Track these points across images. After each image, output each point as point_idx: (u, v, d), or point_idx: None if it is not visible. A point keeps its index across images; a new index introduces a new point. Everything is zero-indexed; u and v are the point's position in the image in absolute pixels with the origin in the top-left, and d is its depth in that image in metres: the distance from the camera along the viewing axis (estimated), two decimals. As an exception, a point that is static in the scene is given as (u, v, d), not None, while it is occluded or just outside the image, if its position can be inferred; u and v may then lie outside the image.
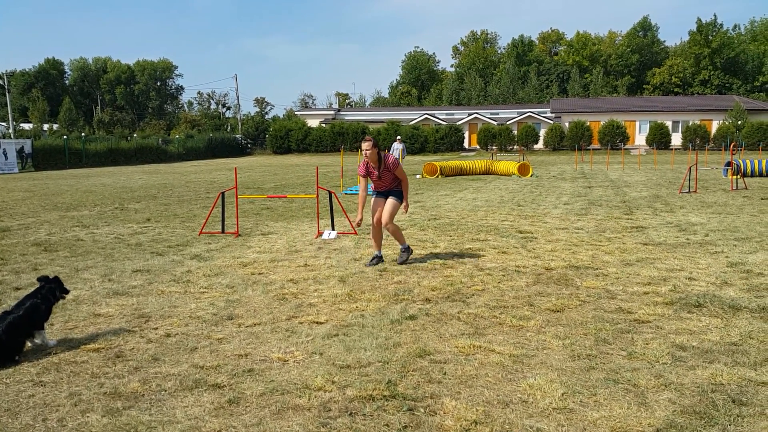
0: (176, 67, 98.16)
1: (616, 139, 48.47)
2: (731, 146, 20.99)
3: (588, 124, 50.09)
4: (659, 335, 4.53)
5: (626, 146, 49.00)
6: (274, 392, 3.62)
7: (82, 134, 46.49)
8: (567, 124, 51.62)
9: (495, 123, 54.69)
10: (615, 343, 4.37)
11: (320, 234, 9.22)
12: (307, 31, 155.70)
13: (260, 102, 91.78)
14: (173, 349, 4.40)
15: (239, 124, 67.07)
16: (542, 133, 52.16)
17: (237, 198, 10.03)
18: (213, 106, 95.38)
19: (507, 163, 24.30)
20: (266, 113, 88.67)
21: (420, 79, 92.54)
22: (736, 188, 16.20)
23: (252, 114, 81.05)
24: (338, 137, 52.54)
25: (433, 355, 4.22)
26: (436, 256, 7.66)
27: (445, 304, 5.52)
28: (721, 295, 5.57)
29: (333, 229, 9.42)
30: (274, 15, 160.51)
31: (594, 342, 4.41)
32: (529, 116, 55.92)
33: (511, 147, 50.79)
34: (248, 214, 12.16)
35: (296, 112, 70.75)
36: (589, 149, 45.55)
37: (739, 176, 17.43)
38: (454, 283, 6.25)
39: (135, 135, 55.02)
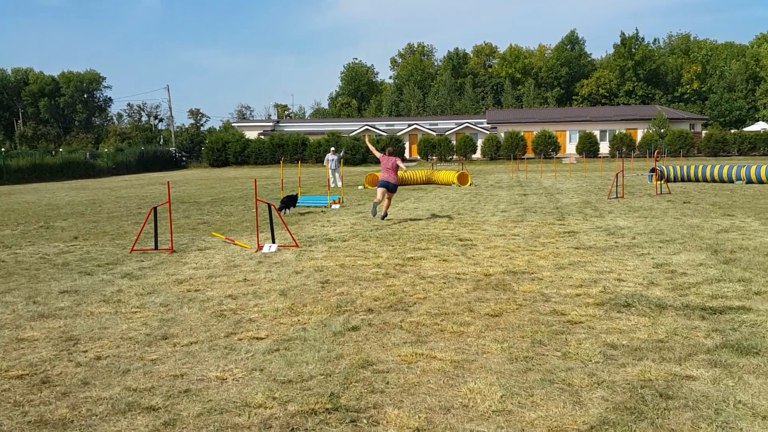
0: (104, 79, 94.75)
1: (548, 148, 50.06)
2: (655, 153, 22.04)
3: (522, 134, 51.56)
4: (591, 335, 4.69)
5: (558, 155, 50.67)
6: (212, 412, 3.53)
7: (2, 149, 44.17)
8: (503, 135, 52.97)
9: (434, 134, 55.52)
10: (550, 345, 4.50)
11: (260, 248, 9.09)
12: (243, 42, 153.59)
13: (195, 113, 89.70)
14: (104, 372, 4.23)
15: (173, 136, 65.30)
16: (480, 143, 53.29)
17: (170, 213, 9.76)
18: (144, 118, 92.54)
19: (447, 173, 24.69)
20: (201, 125, 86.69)
21: (359, 91, 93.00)
22: (661, 193, 17.01)
23: (186, 126, 79.07)
24: (278, 149, 52.00)
25: (375, 365, 4.22)
26: (379, 266, 7.69)
27: (387, 313, 5.53)
28: (648, 295, 5.82)
29: (273, 242, 9.31)
30: (209, 25, 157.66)
31: (530, 344, 4.52)
32: (467, 127, 57.08)
33: (450, 157, 51.63)
34: (184, 229, 11.86)
35: (233, 124, 69.55)
36: (524, 158, 46.88)
37: (663, 182, 18.31)
38: (397, 292, 6.28)
39: (61, 149, 52.72)
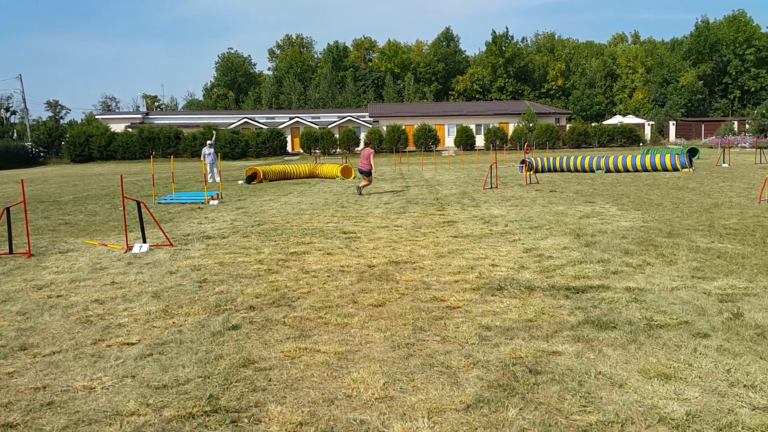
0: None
1: (428, 141, 51.55)
2: (525, 146, 23.40)
3: (403, 127, 52.66)
4: (468, 318, 4.90)
5: (438, 148, 52.35)
6: (80, 423, 3.29)
7: None
8: (384, 128, 53.81)
9: (317, 127, 55.25)
10: (430, 330, 4.64)
11: (130, 248, 8.58)
12: (104, 28, 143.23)
13: (53, 105, 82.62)
14: (-49, 390, 3.80)
15: (28, 130, 59.79)
16: (362, 136, 53.72)
17: (26, 213, 8.96)
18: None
19: (330, 166, 24.67)
20: (61, 118, 79.97)
21: (237, 82, 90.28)
22: (530, 183, 18.10)
23: (44, 119, 72.60)
24: (148, 143, 49.21)
25: (257, 363, 4.13)
26: (261, 262, 7.53)
27: (270, 310, 5.44)
28: (519, 278, 6.17)
29: (144, 242, 8.82)
30: (64, 9, 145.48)
31: (412, 331, 4.64)
32: (350, 120, 57.36)
33: (334, 150, 51.67)
34: (43, 230, 10.92)
35: (97, 116, 64.75)
36: (406, 151, 47.96)
37: (531, 172, 19.47)
38: (280, 288, 6.18)
39: None
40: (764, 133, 45.02)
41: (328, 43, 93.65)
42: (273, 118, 61.75)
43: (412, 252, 7.83)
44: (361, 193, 16.08)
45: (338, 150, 51.37)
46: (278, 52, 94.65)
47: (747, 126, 49.12)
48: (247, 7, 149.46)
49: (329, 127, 55.46)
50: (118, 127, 54.62)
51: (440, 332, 4.58)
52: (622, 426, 3.07)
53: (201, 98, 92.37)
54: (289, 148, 54.65)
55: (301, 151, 52.89)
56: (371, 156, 16.21)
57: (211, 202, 15.11)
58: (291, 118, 58.80)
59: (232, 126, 54.91)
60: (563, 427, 3.08)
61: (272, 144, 50.83)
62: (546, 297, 5.47)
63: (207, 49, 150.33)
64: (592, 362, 3.91)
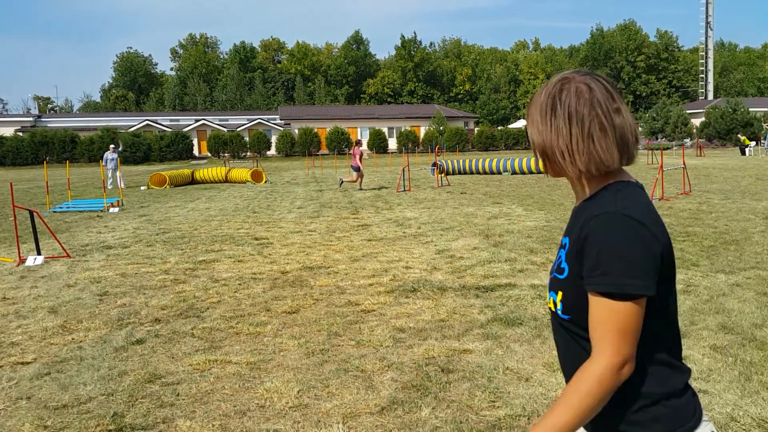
0: None
1: (341, 144, 51.60)
2: (436, 149, 23.93)
3: (316, 130, 52.41)
4: (383, 321, 4.94)
5: (351, 151, 52.54)
6: (-34, 454, 3.03)
7: None
8: (297, 131, 53.32)
9: (225, 130, 53.85)
10: (345, 335, 4.64)
11: (23, 261, 8.01)
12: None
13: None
14: None
15: None
16: (274, 139, 53.00)
17: None
18: None
19: (240, 171, 24.14)
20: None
21: (137, 83, 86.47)
22: (442, 185, 18.53)
23: None
24: (41, 147, 46.08)
25: (164, 378, 3.97)
26: (167, 272, 7.24)
27: (177, 322, 5.24)
28: (431, 280, 6.30)
29: (39, 253, 8.26)
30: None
31: (327, 336, 4.62)
32: (260, 123, 56.35)
33: (244, 154, 50.57)
34: (-76, 245, 9.98)
35: (-18, 120, 60.13)
36: (319, 155, 47.74)
37: (443, 175, 19.94)
38: (187, 298, 5.98)
39: None
40: (655, 135, 48.46)
41: (235, 44, 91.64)
42: (177, 120, 59.68)
43: (327, 257, 7.80)
44: (341, 184, 18.76)
45: (248, 153, 50.36)
46: (181, 52, 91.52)
47: (639, 129, 52.67)
48: (148, 4, 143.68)
49: (238, 129, 54.25)
50: (6, 131, 50.84)
51: (355, 336, 4.59)
52: (528, 419, 3.20)
53: (98, 100, 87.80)
54: (195, 152, 52.99)
55: (209, 154, 51.39)
56: (358, 153, 18.04)
57: (111, 209, 14.38)
58: (197, 121, 57.00)
59: (132, 129, 52.56)
60: (474, 423, 3.18)
61: (177, 147, 49.01)
62: (457, 297, 5.62)
63: (104, 48, 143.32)
64: (500, 358, 4.05)
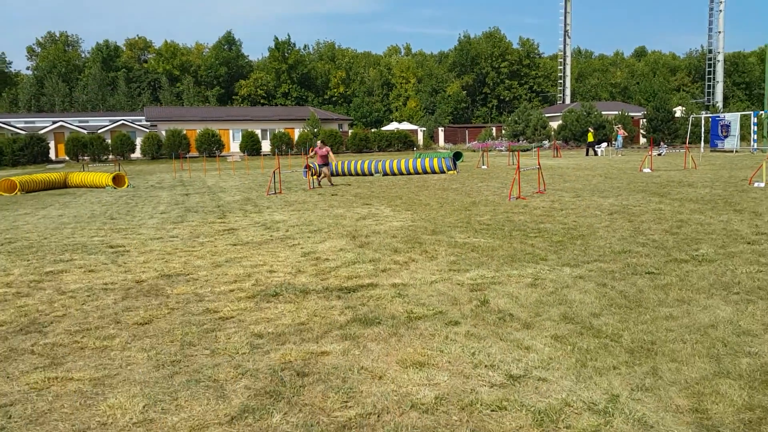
0: None
1: (212, 146, 49.88)
2: (309, 151, 23.81)
3: (185, 132, 50.28)
4: (241, 328, 4.84)
5: (222, 153, 50.93)
6: None
7: None
8: (164, 133, 50.82)
9: (85, 132, 50.17)
10: (200, 344, 4.50)
11: None
12: None
13: None
14: None
15: None
16: (139, 141, 50.14)
17: None
18: None
19: (100, 174, 22.60)
20: None
21: (-13, 82, 78.58)
22: (313, 187, 18.51)
23: None
24: None
25: (-5, 401, 3.63)
26: (8, 285, 6.63)
27: (16, 338, 4.81)
28: (295, 283, 6.27)
29: None
30: None
31: (180, 347, 4.45)
32: (123, 124, 53.09)
33: (105, 157, 47.38)
34: None
35: None
36: (188, 157, 45.83)
37: (315, 177, 19.90)
38: (30, 312, 5.51)
39: None
40: (517, 138, 51.60)
41: (97, 42, 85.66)
42: (33, 122, 54.91)
43: (187, 263, 7.51)
44: (320, 184, 18.96)
45: (110, 156, 47.29)
46: (39, 50, 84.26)
47: (503, 131, 55.87)
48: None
49: (100, 131, 50.83)
50: None
51: (210, 345, 4.46)
52: (378, 416, 3.29)
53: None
54: (52, 155, 48.92)
55: (67, 158, 47.63)
56: (327, 154, 19.07)
57: (-53, 219, 12.90)
58: (54, 122, 52.72)
59: (-22, 130, 47.57)
60: (324, 425, 3.20)
61: (32, 151, 45.03)
62: (319, 299, 5.64)
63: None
64: (357, 358, 4.12)
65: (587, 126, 44.88)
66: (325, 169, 18.91)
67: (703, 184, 15.79)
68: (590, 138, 37.33)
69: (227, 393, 3.60)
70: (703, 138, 36.48)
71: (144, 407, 3.43)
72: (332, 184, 19.12)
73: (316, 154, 19.11)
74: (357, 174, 23.49)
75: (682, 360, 3.98)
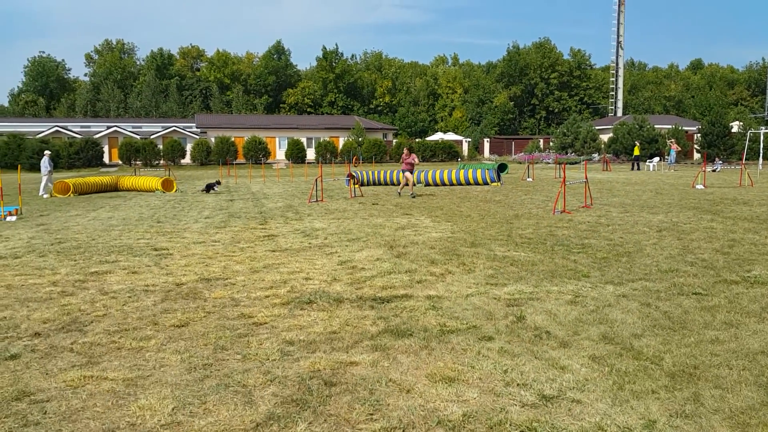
0: None
1: (259, 154, 50.81)
2: (353, 160, 24.00)
3: (233, 139, 51.37)
4: (273, 334, 4.86)
5: (268, 161, 51.80)
6: None
7: None
8: (213, 140, 52.05)
9: (138, 137, 51.88)
10: (232, 349, 4.53)
11: None
12: None
13: None
14: None
15: None
16: (189, 147, 51.49)
17: None
18: None
19: (150, 179, 23.27)
20: None
21: (49, 88, 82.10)
22: (354, 196, 18.59)
23: None
24: (-62, 154, 42.76)
25: (34, 395, 3.74)
26: (55, 283, 6.85)
27: (58, 336, 4.95)
28: (329, 291, 6.27)
29: None
30: None
31: (212, 351, 4.49)
32: (174, 131, 54.65)
33: (156, 162, 48.81)
34: None
35: None
36: (235, 164, 46.78)
37: (357, 185, 20.02)
38: (72, 311, 5.67)
39: None
40: (565, 150, 50.76)
41: (152, 50, 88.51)
42: (88, 126, 57.10)
43: (226, 268, 7.61)
44: (408, 194, 18.29)
45: (161, 162, 48.65)
46: (96, 57, 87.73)
47: (551, 143, 55.05)
48: (62, 8, 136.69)
49: (152, 137, 52.41)
50: None
51: (242, 350, 4.49)
52: (403, 431, 3.23)
53: (6, 104, 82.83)
54: (106, 159, 50.72)
55: (120, 162, 49.26)
56: (413, 161, 18.46)
57: (8, 218, 13.49)
58: (109, 127, 54.70)
59: (41, 135, 49.77)
60: (349, 436, 3.17)
61: (87, 154, 46.80)
62: (353, 308, 5.62)
63: (14, 51, 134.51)
64: (386, 370, 4.07)
65: (636, 139, 43.79)
66: (409, 176, 18.38)
67: (759, 202, 15.15)
68: (636, 151, 36.42)
69: (255, 399, 3.60)
70: (761, 154, 35.07)
71: (173, 409, 3.47)
72: (413, 195, 18.17)
73: (402, 161, 18.72)
74: (399, 184, 23.46)
75: (727, 387, 3.78)
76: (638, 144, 37.93)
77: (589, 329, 4.97)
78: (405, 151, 18.95)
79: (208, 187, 21.65)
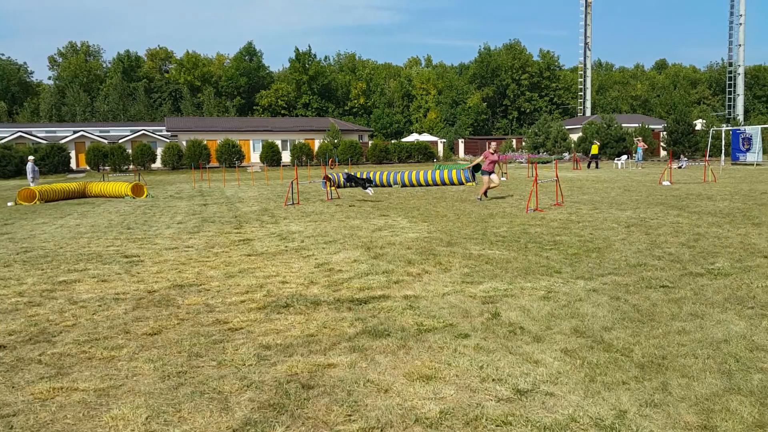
0: None
1: (232, 157, 50.36)
2: (329, 162, 23.93)
3: (205, 143, 50.82)
4: (249, 339, 4.81)
5: (242, 164, 51.38)
6: None
7: None
8: (184, 143, 51.43)
9: (106, 141, 51.01)
10: (207, 355, 4.47)
11: None
12: None
13: None
14: None
15: None
16: (159, 151, 50.80)
17: None
18: None
19: (119, 184, 22.89)
20: None
21: (10, 92, 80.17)
22: (331, 198, 18.53)
23: None
24: None
25: (0, 410, 3.63)
26: (21, 294, 6.68)
27: (25, 347, 4.83)
28: (306, 294, 6.24)
29: None
30: None
31: (187, 358, 4.42)
32: (144, 134, 53.86)
33: (126, 167, 48.06)
34: None
35: None
36: (208, 167, 46.29)
37: (333, 188, 19.95)
38: (40, 322, 5.53)
39: None
40: (537, 150, 51.32)
41: (119, 52, 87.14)
42: (54, 131, 55.99)
43: (200, 274, 7.52)
44: (481, 199, 16.60)
45: (131, 167, 47.93)
46: (60, 60, 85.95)
47: (523, 143, 55.61)
48: (23, 9, 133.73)
49: (120, 141, 51.60)
50: None
51: (218, 356, 4.43)
52: (381, 430, 3.22)
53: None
54: (73, 165, 49.75)
55: (88, 167, 48.38)
56: (496, 160, 16.90)
57: (-31, 227, 13.12)
58: (75, 132, 53.69)
59: (3, 141, 48.61)
60: (327, 439, 3.15)
61: (53, 160, 45.87)
62: (330, 311, 5.59)
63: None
64: (363, 371, 4.06)
65: (608, 139, 44.53)
66: (495, 177, 16.79)
67: (722, 197, 15.50)
68: (594, 150, 37.08)
69: (231, 405, 3.56)
70: (723, 151, 35.93)
71: (147, 419, 3.41)
72: (486, 197, 16.81)
73: (485, 158, 16.69)
74: (376, 185, 23.48)
75: (693, 375, 3.86)
76: (597, 143, 38.73)
77: (562, 323, 5.03)
78: (493, 146, 17.21)
79: (358, 183, 18.22)
